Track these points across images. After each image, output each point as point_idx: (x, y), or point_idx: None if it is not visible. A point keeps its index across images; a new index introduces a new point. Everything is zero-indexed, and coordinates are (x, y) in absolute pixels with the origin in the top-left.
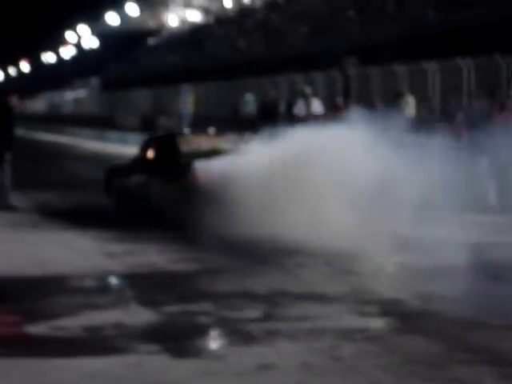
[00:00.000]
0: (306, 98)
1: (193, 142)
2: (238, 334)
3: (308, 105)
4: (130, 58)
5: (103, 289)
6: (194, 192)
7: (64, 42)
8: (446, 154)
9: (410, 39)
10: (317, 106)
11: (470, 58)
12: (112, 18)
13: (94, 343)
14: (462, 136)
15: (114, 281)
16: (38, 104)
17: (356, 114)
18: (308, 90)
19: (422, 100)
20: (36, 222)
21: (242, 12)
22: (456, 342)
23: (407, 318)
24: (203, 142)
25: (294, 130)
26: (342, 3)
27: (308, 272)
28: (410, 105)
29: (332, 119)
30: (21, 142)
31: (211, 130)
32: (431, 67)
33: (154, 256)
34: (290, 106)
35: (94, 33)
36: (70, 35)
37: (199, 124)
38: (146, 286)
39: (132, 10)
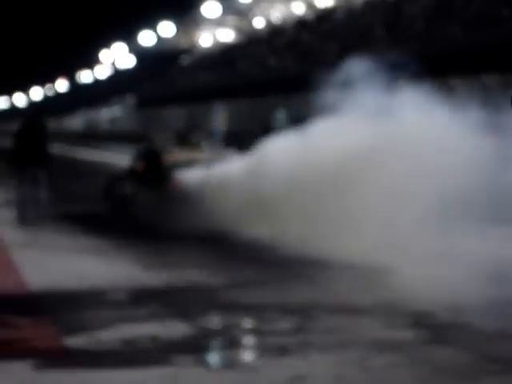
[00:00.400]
0: None
1: (174, 155)
2: (271, 346)
3: None
4: (164, 76)
5: (139, 302)
6: (172, 197)
7: (100, 61)
8: None
9: (437, 56)
10: None
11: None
12: (146, 38)
13: (130, 356)
14: None
15: (150, 294)
16: (75, 122)
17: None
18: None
19: None
20: (73, 235)
21: (273, 31)
22: (485, 353)
23: (437, 330)
24: (183, 155)
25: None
26: (371, 21)
27: (338, 284)
28: None
29: None
30: (58, 160)
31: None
32: (457, 83)
33: (189, 269)
34: None
35: (129, 52)
36: (105, 54)
37: (231, 140)
38: (181, 299)
39: (165, 29)
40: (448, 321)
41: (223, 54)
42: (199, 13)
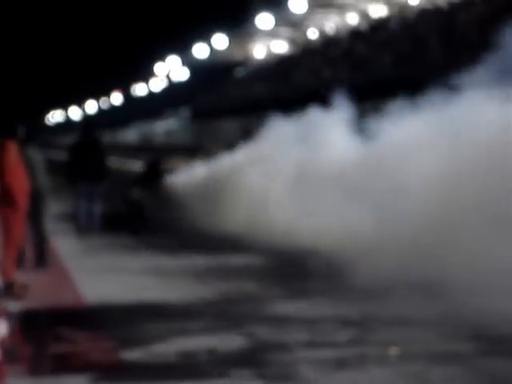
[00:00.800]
0: None
1: (171, 163)
2: (329, 359)
3: None
4: (218, 88)
5: (195, 314)
6: (165, 197)
7: (154, 74)
8: None
9: None
10: None
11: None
12: (200, 50)
13: (187, 369)
14: None
15: (206, 306)
16: (130, 135)
17: None
18: None
19: None
20: (127, 247)
21: (327, 42)
22: None
23: (496, 342)
24: (176, 163)
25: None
26: (426, 31)
27: (394, 295)
28: None
29: None
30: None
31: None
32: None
33: (244, 281)
34: None
35: (183, 64)
36: (160, 67)
37: None
38: (236, 312)
39: (219, 41)
40: (509, 332)
41: (277, 66)
42: (253, 24)
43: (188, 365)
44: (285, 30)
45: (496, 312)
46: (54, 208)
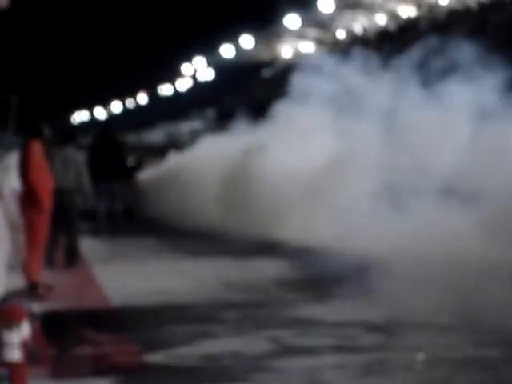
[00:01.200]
0: None
1: (150, 161)
2: (354, 363)
3: None
4: (245, 89)
5: (220, 318)
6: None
7: (181, 75)
8: None
9: None
10: None
11: None
12: (227, 51)
13: (211, 372)
14: None
15: (230, 309)
16: (155, 135)
17: None
18: None
19: None
20: (151, 249)
21: (355, 42)
22: None
23: None
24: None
25: None
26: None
27: (418, 299)
28: None
29: None
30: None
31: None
32: None
33: (268, 285)
34: None
35: (209, 65)
36: (186, 68)
37: None
38: (261, 315)
39: (246, 42)
40: None
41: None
42: (281, 25)
43: (212, 368)
44: (312, 31)
45: None
46: None
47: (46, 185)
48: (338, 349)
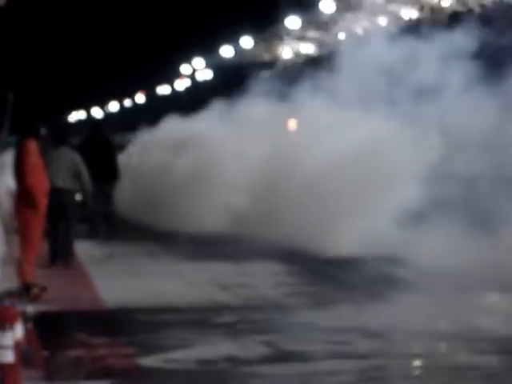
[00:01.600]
0: None
1: None
2: (352, 370)
3: None
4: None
5: (216, 321)
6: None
7: (179, 75)
8: None
9: None
10: None
11: None
12: (227, 52)
13: (206, 376)
14: None
15: (226, 313)
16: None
17: None
18: None
19: None
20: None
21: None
22: None
23: None
24: None
25: None
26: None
27: (418, 306)
28: None
29: None
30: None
31: None
32: None
33: (266, 289)
34: None
35: (208, 66)
36: (185, 68)
37: None
38: (257, 320)
39: (246, 43)
40: None
41: (304, 67)
42: (281, 26)
43: (207, 372)
44: (313, 32)
45: None
46: None
47: (41, 185)
48: (335, 354)
